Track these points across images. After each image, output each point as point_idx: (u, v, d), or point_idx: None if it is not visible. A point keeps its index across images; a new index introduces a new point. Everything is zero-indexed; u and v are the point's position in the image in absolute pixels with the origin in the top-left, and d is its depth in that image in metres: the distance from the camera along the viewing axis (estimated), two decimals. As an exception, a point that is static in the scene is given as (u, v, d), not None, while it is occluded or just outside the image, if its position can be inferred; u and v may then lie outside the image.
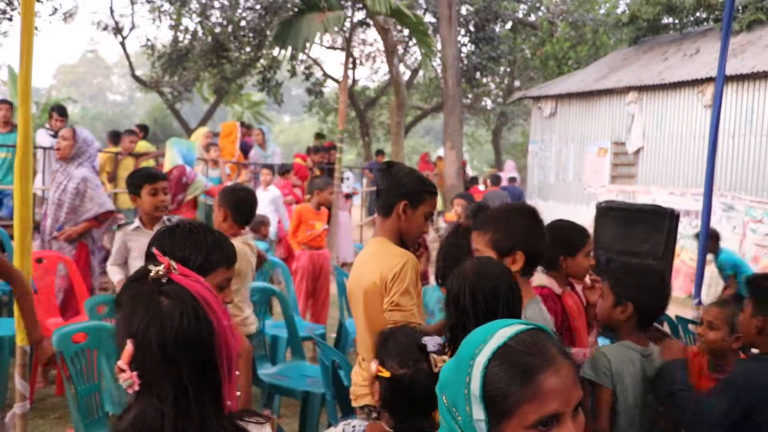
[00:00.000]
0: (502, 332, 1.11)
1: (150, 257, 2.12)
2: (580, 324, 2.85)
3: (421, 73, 19.39)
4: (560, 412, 1.07)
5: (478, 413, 1.08)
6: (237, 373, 1.25)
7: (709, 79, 10.34)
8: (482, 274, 2.13)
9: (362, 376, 2.62)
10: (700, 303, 4.91)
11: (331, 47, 19.04)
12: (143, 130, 10.16)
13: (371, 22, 15.66)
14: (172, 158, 6.86)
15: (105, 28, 17.81)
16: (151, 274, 1.22)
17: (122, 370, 1.20)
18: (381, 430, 1.83)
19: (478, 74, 18.68)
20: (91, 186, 4.88)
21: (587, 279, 2.97)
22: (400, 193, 2.54)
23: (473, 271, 2.16)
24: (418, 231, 2.61)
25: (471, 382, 1.09)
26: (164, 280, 1.22)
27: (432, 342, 1.78)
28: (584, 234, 2.91)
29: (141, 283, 1.23)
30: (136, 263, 3.79)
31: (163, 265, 1.23)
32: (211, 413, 1.21)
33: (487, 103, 21.88)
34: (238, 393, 1.30)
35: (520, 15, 19.38)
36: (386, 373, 1.79)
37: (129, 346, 1.19)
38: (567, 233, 2.91)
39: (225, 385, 1.21)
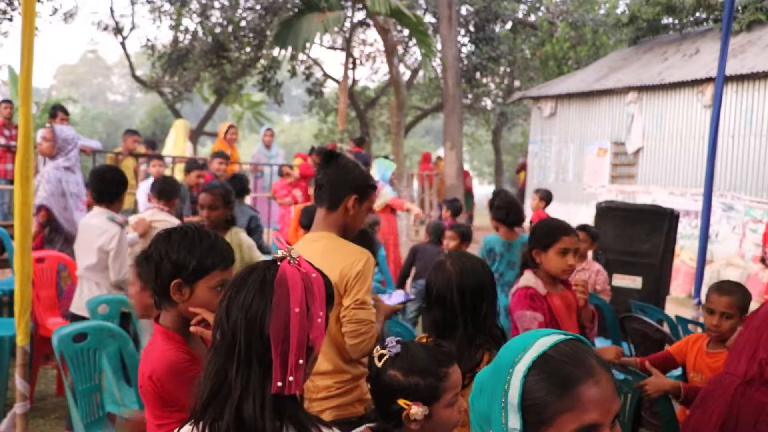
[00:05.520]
0: (541, 341, 1.11)
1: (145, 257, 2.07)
2: (570, 326, 2.84)
3: (421, 73, 19.35)
4: (599, 423, 1.06)
5: (514, 422, 1.08)
6: (301, 361, 1.31)
7: (708, 80, 10.34)
8: (465, 272, 2.18)
9: (312, 384, 2.40)
10: (699, 303, 4.90)
11: (331, 47, 19.01)
12: None
13: (371, 22, 15.64)
14: (372, 173, 8.83)
15: (105, 29, 17.78)
16: (275, 255, 1.38)
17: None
18: None
19: (478, 74, 18.65)
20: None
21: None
22: (352, 186, 2.47)
23: (456, 269, 2.19)
24: (360, 225, 2.57)
25: (509, 391, 1.08)
26: (278, 263, 1.36)
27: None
28: (558, 230, 2.84)
29: (267, 263, 1.40)
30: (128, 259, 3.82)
31: (283, 251, 1.38)
32: (254, 385, 1.30)
33: (487, 103, 21.81)
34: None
35: (520, 15, 19.36)
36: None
37: None
38: (541, 228, 2.90)
39: (276, 367, 1.29)
